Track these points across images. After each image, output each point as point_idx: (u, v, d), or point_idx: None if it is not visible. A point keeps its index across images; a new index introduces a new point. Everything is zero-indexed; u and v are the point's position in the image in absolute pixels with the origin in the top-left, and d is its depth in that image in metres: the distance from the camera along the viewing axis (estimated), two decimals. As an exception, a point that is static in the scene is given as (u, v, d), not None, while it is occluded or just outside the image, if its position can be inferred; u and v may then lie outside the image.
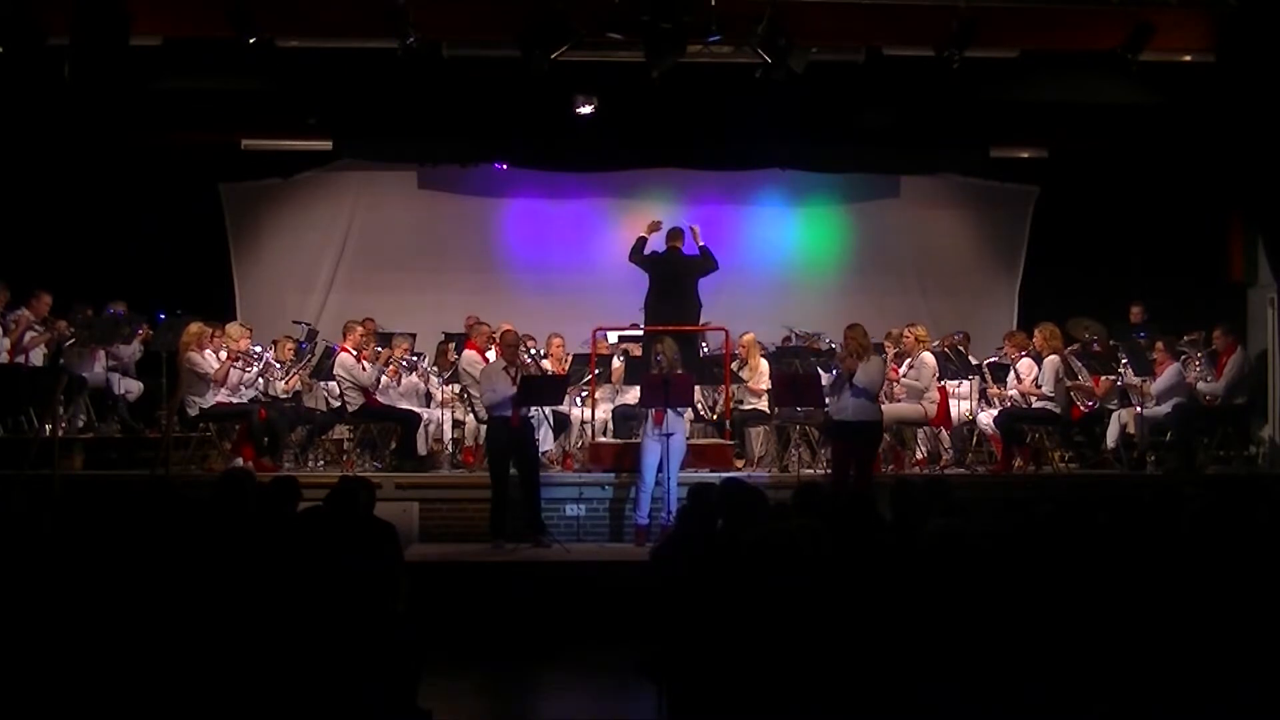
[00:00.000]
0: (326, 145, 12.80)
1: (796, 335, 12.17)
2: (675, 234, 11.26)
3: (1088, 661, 4.94)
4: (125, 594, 4.82)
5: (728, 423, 10.76)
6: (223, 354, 10.43)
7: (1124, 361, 11.00)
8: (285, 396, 10.97)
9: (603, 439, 10.55)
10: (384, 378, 10.79)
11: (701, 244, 11.19)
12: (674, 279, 11.04)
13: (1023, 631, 4.96)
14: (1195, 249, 12.46)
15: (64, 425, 10.25)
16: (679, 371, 9.44)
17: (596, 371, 11.17)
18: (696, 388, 10.56)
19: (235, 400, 10.42)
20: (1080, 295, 12.82)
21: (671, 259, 11.15)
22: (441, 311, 13.21)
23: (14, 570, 4.92)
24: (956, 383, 11.31)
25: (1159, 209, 12.67)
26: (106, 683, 4.61)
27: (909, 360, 10.93)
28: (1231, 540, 5.26)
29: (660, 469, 9.24)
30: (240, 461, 9.96)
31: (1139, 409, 10.77)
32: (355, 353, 10.56)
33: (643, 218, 14.14)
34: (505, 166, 13.71)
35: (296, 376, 11.10)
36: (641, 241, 11.13)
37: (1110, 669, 4.94)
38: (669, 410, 9.20)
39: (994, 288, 14.23)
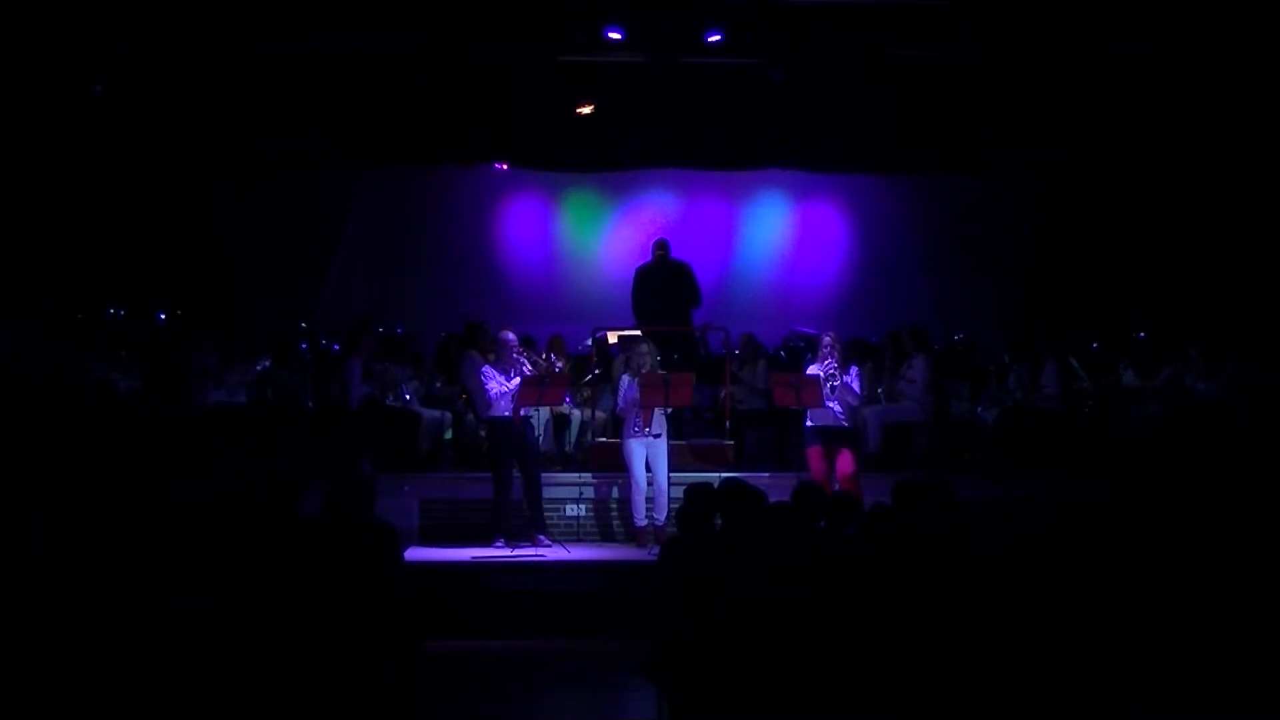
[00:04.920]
0: (327, 146, 12.80)
1: (798, 335, 12.17)
2: (661, 244, 11.52)
3: (1088, 663, 4.94)
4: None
5: (728, 423, 10.75)
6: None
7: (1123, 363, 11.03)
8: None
9: (603, 439, 10.54)
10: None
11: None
12: (663, 283, 11.20)
13: (1023, 633, 4.97)
14: (1196, 249, 12.46)
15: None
16: (659, 373, 9.45)
17: (596, 371, 11.18)
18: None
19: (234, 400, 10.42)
20: (1084, 295, 12.83)
21: (658, 266, 11.34)
22: (441, 311, 13.21)
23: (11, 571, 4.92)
24: (955, 382, 11.31)
25: (1159, 209, 12.67)
26: (108, 683, 4.61)
27: (909, 360, 10.93)
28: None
29: (648, 469, 9.28)
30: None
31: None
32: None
33: (643, 218, 14.23)
34: (505, 166, 13.71)
35: None
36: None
37: (1110, 670, 4.94)
38: (655, 411, 9.23)
39: (995, 288, 14.22)
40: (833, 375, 9.20)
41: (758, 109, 11.84)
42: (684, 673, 5.17)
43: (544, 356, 9.78)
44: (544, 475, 9.61)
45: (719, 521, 6.03)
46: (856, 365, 9.69)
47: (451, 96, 11.59)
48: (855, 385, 9.35)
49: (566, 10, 10.52)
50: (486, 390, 9.40)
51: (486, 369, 9.48)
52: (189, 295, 12.44)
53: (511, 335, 9.47)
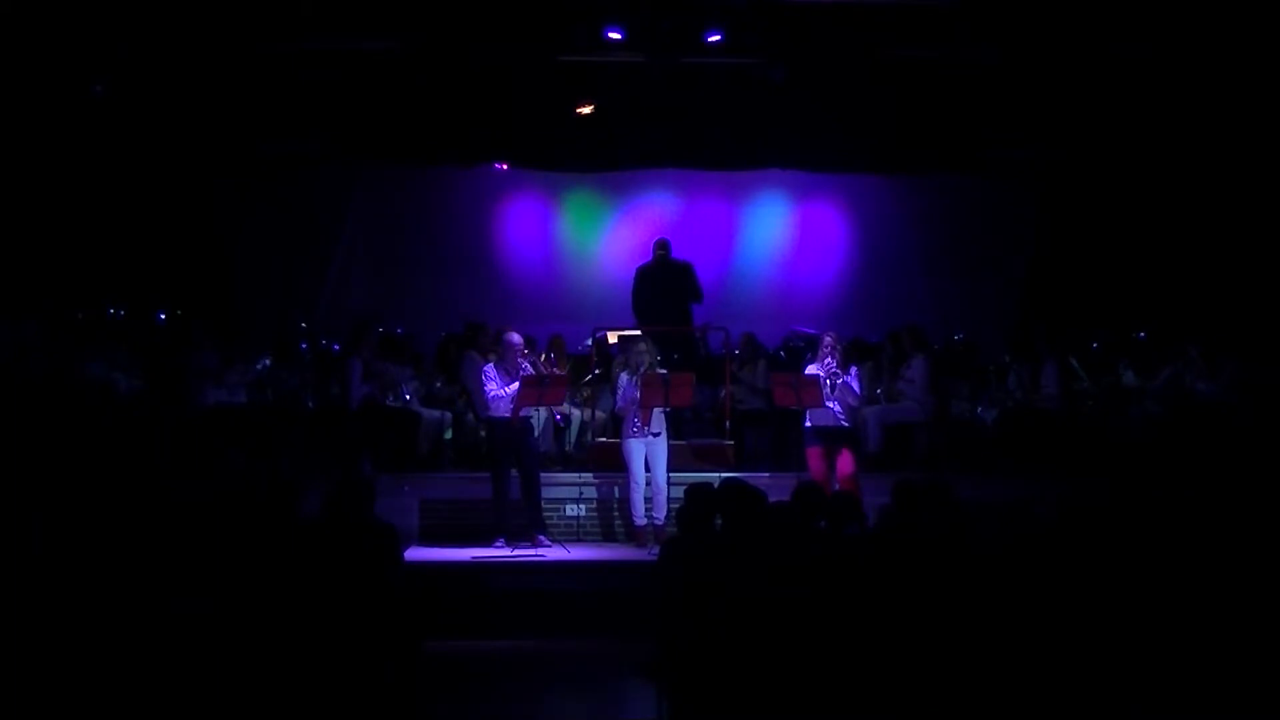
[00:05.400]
0: (327, 145, 12.80)
1: (798, 335, 12.17)
2: (662, 243, 11.50)
3: (1088, 663, 4.94)
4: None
5: (728, 423, 10.75)
6: None
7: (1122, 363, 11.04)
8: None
9: (602, 439, 10.54)
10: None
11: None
12: (663, 283, 11.20)
13: (1023, 633, 4.96)
14: (1196, 249, 12.46)
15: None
16: (658, 372, 9.45)
17: (596, 371, 11.18)
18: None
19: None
20: (1083, 295, 12.81)
21: (659, 266, 11.32)
22: (441, 311, 13.21)
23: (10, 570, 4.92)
24: (955, 382, 11.31)
25: (1159, 209, 12.67)
26: (108, 683, 4.61)
27: (908, 361, 10.93)
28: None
29: (648, 468, 9.28)
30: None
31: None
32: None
33: (643, 218, 14.23)
34: (505, 166, 13.71)
35: None
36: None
37: (1110, 670, 4.94)
38: (654, 410, 9.23)
39: (995, 289, 14.21)
40: (834, 374, 9.21)
41: (758, 109, 11.84)
42: (684, 673, 5.17)
43: (544, 358, 9.78)
44: (544, 475, 9.61)
45: (719, 521, 6.03)
46: (856, 366, 9.69)
47: (451, 96, 11.58)
48: (855, 385, 9.35)
49: (566, 10, 10.52)
50: (485, 391, 9.40)
51: (488, 369, 9.47)
52: (189, 295, 12.43)
53: (517, 337, 9.43)
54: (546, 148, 12.76)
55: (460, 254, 14.15)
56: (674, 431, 9.85)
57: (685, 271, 11.42)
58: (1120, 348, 11.73)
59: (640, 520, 9.34)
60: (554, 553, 9.06)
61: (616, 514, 9.83)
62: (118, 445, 10.65)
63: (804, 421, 9.37)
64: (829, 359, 9.28)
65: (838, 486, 8.99)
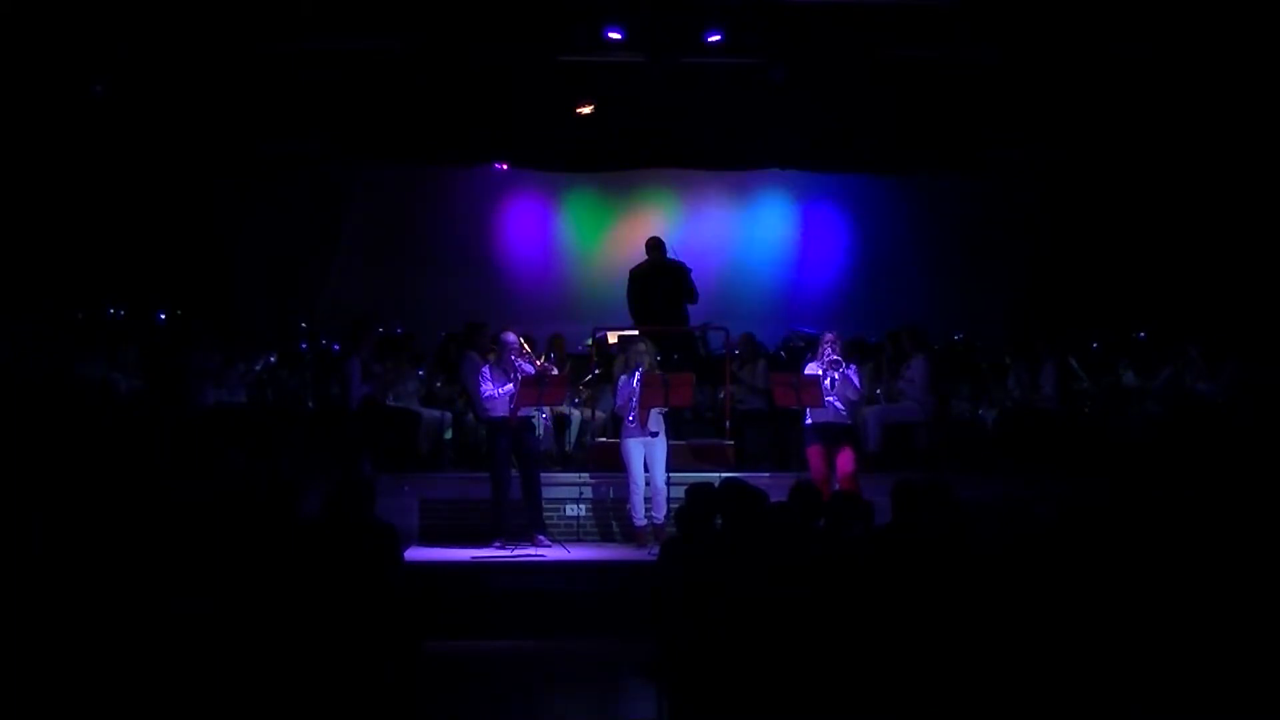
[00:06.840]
0: (327, 145, 12.80)
1: (798, 335, 12.17)
2: (655, 243, 11.44)
3: (1088, 663, 4.94)
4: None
5: (728, 423, 10.75)
6: None
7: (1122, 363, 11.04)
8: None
9: (602, 439, 10.54)
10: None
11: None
12: (657, 283, 11.21)
13: (1023, 633, 4.96)
14: (1196, 248, 12.45)
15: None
16: (658, 373, 9.45)
17: (596, 371, 11.17)
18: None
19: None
20: (1083, 295, 12.81)
21: (652, 267, 11.32)
22: (441, 311, 13.21)
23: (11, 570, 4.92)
24: (955, 382, 11.31)
25: (1160, 209, 12.67)
26: (108, 682, 4.61)
27: (908, 361, 10.93)
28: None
29: (647, 469, 9.28)
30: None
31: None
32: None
33: (643, 218, 14.23)
34: (505, 166, 13.71)
35: None
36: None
37: (1110, 670, 4.94)
38: (651, 410, 9.22)
39: (995, 289, 14.21)
40: (835, 364, 9.20)
41: (758, 109, 11.83)
42: (684, 673, 5.18)
43: (542, 359, 9.77)
44: (544, 475, 9.60)
45: (719, 521, 6.03)
46: (855, 364, 9.69)
47: (451, 96, 11.58)
48: (855, 380, 9.34)
49: (566, 10, 10.52)
50: (480, 391, 9.41)
51: (485, 369, 9.48)
52: (189, 295, 12.43)
53: (512, 336, 9.44)
54: (546, 148, 12.75)
55: (460, 254, 14.16)
56: (674, 431, 9.84)
57: (679, 272, 11.40)
58: (1120, 348, 11.73)
59: (640, 521, 9.34)
60: (554, 553, 9.06)
61: (616, 514, 9.82)
62: (118, 445, 10.64)
63: (804, 420, 9.37)
64: (828, 350, 9.28)
65: (838, 486, 8.99)
